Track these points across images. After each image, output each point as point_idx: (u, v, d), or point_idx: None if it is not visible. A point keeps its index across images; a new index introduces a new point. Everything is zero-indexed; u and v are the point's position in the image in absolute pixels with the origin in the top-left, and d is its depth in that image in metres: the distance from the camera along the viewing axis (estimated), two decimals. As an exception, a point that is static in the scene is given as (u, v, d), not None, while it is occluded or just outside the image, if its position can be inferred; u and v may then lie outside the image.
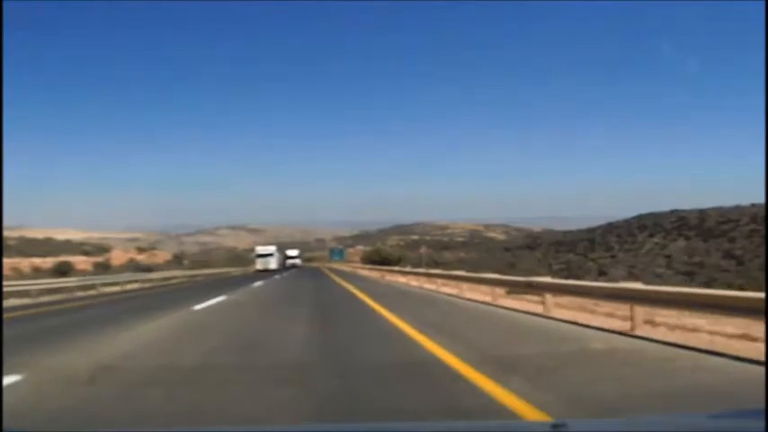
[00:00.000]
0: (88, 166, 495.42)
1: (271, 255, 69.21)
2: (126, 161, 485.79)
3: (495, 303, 14.59)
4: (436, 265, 44.17)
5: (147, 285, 32.13)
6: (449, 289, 20.64)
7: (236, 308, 14.84)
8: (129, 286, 30.40)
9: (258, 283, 28.64)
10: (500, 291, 17.78)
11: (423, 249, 41.08)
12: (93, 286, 27.20)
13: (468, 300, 16.15)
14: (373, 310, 12.72)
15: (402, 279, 28.36)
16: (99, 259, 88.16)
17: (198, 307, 14.52)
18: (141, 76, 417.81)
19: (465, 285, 18.23)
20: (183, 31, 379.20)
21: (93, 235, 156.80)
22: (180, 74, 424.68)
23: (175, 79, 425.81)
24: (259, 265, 66.54)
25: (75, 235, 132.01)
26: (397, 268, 34.33)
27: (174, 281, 37.94)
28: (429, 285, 22.62)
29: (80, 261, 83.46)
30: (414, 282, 25.35)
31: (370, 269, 46.68)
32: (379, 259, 58.81)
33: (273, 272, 55.26)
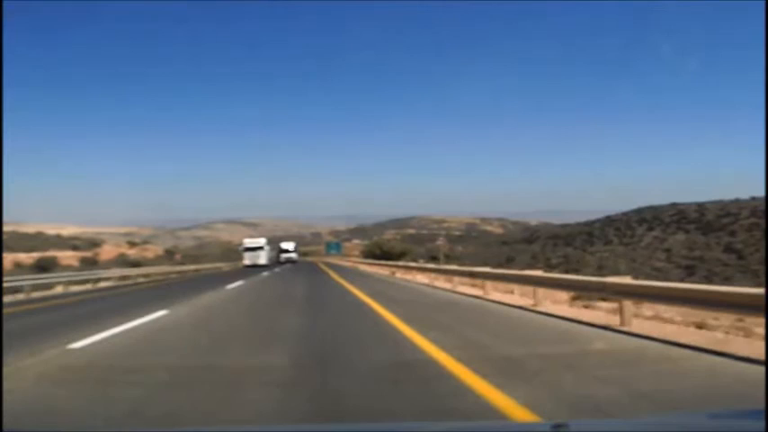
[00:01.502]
0: (87, 162, 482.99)
1: (260, 248, 56.74)
2: (124, 157, 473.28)
3: (631, 330, 7.40)
4: (448, 259, 36.87)
5: (102, 285, 24.69)
6: (499, 295, 13.50)
7: (149, 348, 7.36)
8: (77, 287, 23.03)
9: (234, 285, 20.66)
10: (563, 295, 10.81)
11: (440, 241, 32.55)
12: (20, 289, 19.82)
13: (575, 321, 8.85)
14: (444, 373, 5.28)
15: (421, 278, 20.96)
16: (87, 254, 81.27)
17: (82, 343, 7.22)
18: (142, 72, 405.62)
19: (541, 291, 11.04)
20: (180, 28, 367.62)
21: (89, 230, 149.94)
22: (180, 71, 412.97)
23: (175, 76, 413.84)
24: (246, 260, 54.88)
25: (72, 230, 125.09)
26: (413, 264, 26.49)
27: (141, 279, 30.43)
28: (466, 289, 15.39)
29: (67, 256, 76.60)
30: (440, 283, 18.06)
31: (371, 264, 39.03)
32: (380, 253, 51.19)
33: (263, 267, 46.08)
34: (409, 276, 23.10)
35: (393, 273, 27.38)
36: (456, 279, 16.40)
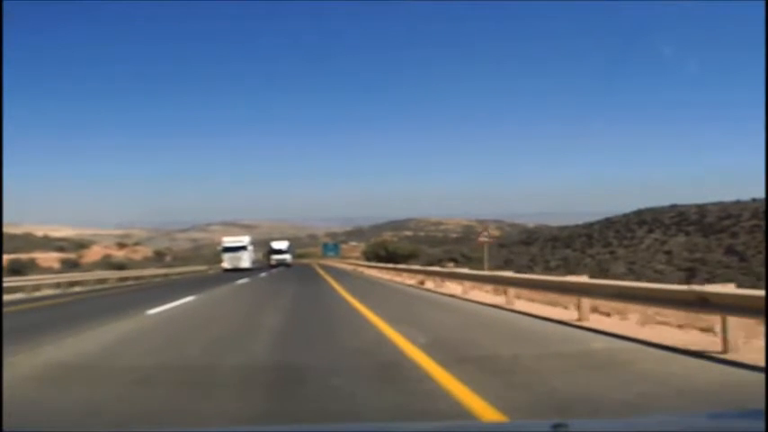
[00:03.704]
0: (85, 163, 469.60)
1: (242, 248, 45.56)
2: (121, 158, 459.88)
3: None
4: (470, 261, 29.59)
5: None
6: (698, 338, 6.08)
7: None
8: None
9: (170, 306, 12.44)
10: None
11: (484, 237, 22.16)
12: None
13: None
14: None
15: (479, 294, 13.19)
16: (71, 256, 74.07)
17: None
18: (142, 73, 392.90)
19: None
20: (174, 27, 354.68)
21: (86, 231, 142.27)
22: (179, 71, 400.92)
23: (173, 77, 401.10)
24: (226, 262, 43.97)
25: (68, 232, 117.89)
26: (464, 271, 16.47)
27: (77, 289, 22.80)
28: (606, 323, 7.89)
29: (49, 258, 69.60)
30: (523, 305, 10.40)
31: (381, 269, 30.46)
32: (385, 254, 43.63)
33: (246, 271, 37.68)
34: (455, 289, 14.89)
35: (422, 282, 19.32)
36: (586, 302, 8.20)
